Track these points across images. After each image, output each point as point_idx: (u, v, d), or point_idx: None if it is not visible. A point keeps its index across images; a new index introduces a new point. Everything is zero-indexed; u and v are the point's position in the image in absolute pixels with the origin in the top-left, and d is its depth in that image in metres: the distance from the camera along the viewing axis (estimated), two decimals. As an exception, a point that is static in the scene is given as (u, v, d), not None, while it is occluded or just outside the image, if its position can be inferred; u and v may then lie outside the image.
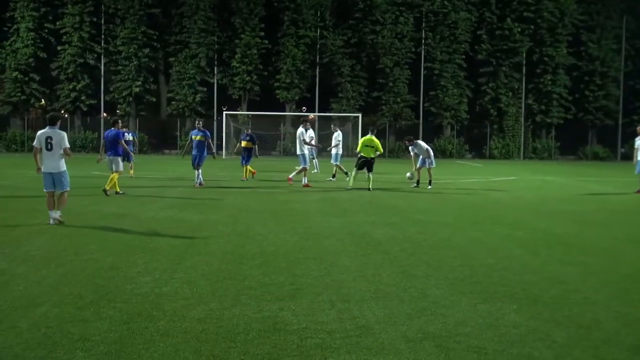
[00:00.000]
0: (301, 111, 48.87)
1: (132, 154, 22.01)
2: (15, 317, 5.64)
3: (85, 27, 46.25)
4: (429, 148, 20.51)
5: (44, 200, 11.53)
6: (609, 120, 50.27)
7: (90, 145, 45.02)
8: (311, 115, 50.17)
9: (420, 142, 21.03)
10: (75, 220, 11.69)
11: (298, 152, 20.60)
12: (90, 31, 46.52)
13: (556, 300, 6.58)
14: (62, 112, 47.38)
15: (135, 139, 24.17)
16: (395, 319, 5.78)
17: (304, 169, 20.22)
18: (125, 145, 17.44)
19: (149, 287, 6.75)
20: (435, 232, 11.07)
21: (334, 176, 23.12)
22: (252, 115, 46.40)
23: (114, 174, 16.49)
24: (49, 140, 11.14)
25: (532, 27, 48.11)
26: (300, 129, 20.69)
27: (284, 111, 48.02)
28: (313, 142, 23.49)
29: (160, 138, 47.08)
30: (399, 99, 47.65)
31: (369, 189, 18.46)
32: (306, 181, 20.02)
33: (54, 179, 11.27)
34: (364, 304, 6.28)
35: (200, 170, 19.45)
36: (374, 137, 19.24)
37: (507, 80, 48.73)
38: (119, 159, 16.80)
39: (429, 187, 19.89)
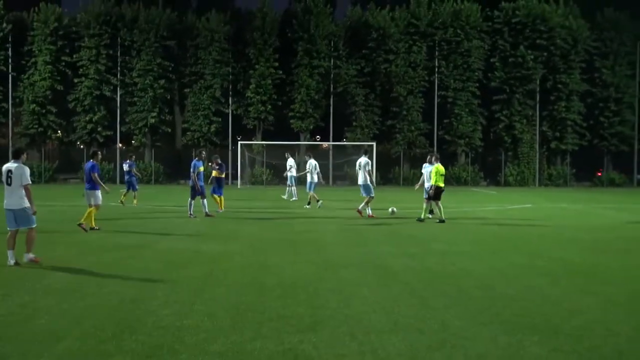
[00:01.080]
0: (315, 140, 49.09)
1: (135, 184, 23.99)
2: (39, 351, 5.68)
3: (101, 59, 46.91)
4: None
5: (63, 234, 11.62)
6: (624, 146, 50.05)
7: (107, 176, 45.36)
8: (325, 144, 50.47)
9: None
10: (94, 252, 11.78)
11: (361, 182, 19.70)
12: (106, 63, 47.15)
13: (578, 332, 6.52)
14: (79, 143, 47.88)
15: (134, 169, 24.26)
16: (416, 352, 5.76)
17: (371, 199, 19.49)
18: (97, 179, 15.53)
19: (170, 320, 6.78)
20: (453, 261, 11.04)
21: (309, 203, 23.59)
22: (266, 144, 46.68)
23: (91, 208, 15.44)
24: (9, 174, 10.30)
25: (545, 54, 48.12)
26: (364, 159, 19.65)
27: (299, 140, 48.21)
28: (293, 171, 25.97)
29: (176, 168, 47.33)
30: (413, 127, 47.72)
31: (443, 220, 17.99)
32: (370, 212, 19.53)
33: (15, 216, 10.40)
34: (384, 335, 6.26)
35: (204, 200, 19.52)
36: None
37: (521, 107, 48.67)
38: (98, 192, 15.58)
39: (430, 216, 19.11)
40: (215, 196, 21.08)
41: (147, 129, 47.40)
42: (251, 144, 46.61)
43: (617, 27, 49.30)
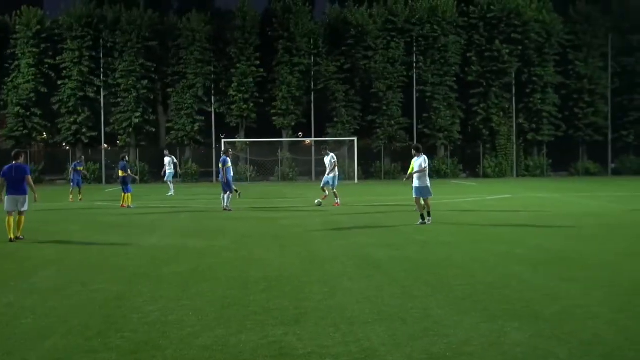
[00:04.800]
0: (297, 137, 49.22)
1: (80, 182, 26.59)
2: (24, 350, 5.71)
3: (84, 61, 46.59)
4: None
5: (51, 233, 11.60)
6: (598, 136, 50.73)
7: (92, 176, 45.17)
8: (307, 140, 50.55)
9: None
10: (79, 251, 11.79)
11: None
12: (89, 65, 46.82)
13: (557, 317, 6.66)
14: (64, 144, 47.66)
15: (80, 168, 27.24)
16: (399, 341, 5.86)
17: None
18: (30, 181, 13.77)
19: (156, 316, 6.84)
20: (434, 251, 11.19)
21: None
22: (250, 142, 46.70)
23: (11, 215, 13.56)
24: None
25: (520, 47, 48.71)
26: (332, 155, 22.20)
27: (281, 137, 48.33)
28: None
29: (161, 167, 47.13)
30: (393, 122, 48.00)
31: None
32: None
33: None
34: (367, 326, 6.36)
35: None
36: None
37: (498, 100, 49.24)
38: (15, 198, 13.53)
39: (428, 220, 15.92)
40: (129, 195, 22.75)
41: (131, 129, 47.22)
42: (235, 142, 46.60)
43: (589, 21, 50.00)
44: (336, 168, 22.23)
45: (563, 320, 6.53)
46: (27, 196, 13.53)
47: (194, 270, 9.63)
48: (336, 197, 21.74)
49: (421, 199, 15.86)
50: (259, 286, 8.31)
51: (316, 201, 21.37)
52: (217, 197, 25.94)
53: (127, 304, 7.41)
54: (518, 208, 20.68)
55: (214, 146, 47.38)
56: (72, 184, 26.76)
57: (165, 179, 31.09)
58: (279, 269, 9.57)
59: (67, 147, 47.93)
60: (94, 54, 47.03)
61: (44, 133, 49.15)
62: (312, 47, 48.16)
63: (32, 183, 13.69)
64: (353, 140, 44.94)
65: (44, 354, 5.59)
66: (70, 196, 26.24)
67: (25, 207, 13.53)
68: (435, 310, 6.97)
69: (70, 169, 28.05)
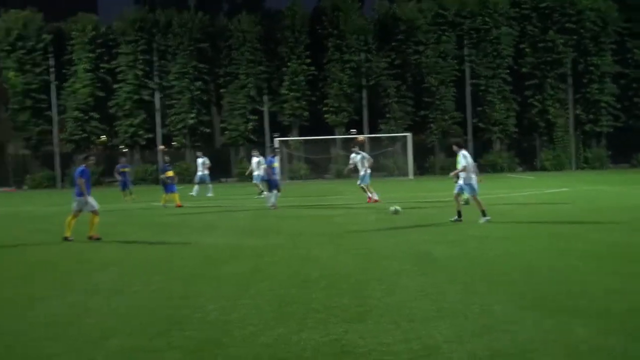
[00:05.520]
0: (350, 134, 49.21)
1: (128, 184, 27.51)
2: (91, 349, 5.80)
3: (138, 64, 47.71)
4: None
5: (111, 234, 11.86)
6: (660, 125, 49.13)
7: (150, 177, 46.13)
8: (360, 137, 50.47)
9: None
10: (139, 252, 12.04)
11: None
12: (144, 68, 47.94)
13: (625, 313, 6.44)
14: (122, 147, 48.84)
15: (127, 169, 28.07)
16: (462, 338, 5.76)
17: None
18: (83, 185, 14.14)
19: (217, 315, 6.89)
20: (492, 247, 11.01)
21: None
22: (303, 140, 46.95)
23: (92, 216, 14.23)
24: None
25: (575, 37, 47.62)
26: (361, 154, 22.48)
27: (334, 134, 48.41)
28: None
29: (215, 167, 47.81)
30: (446, 117, 47.54)
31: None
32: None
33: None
34: (428, 323, 6.28)
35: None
36: None
37: (554, 91, 48.22)
38: (82, 199, 14.12)
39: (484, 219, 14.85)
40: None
41: (186, 130, 48.15)
42: (288, 140, 46.90)
43: (646, 7, 48.44)
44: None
45: (632, 316, 6.31)
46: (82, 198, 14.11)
47: (252, 269, 9.70)
48: (370, 192, 22.15)
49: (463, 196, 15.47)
50: (318, 284, 8.31)
51: (391, 209, 17.28)
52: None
53: (188, 303, 7.49)
54: (577, 201, 20.19)
55: (267, 145, 47.78)
56: (121, 187, 27.38)
57: (198, 181, 29.60)
58: (336, 267, 9.56)
59: (125, 150, 49.03)
60: (147, 57, 48.15)
61: (103, 136, 50.45)
62: (362, 43, 48.09)
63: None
64: (406, 136, 44.65)
65: (110, 353, 5.68)
66: (126, 198, 26.64)
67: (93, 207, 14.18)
68: (496, 306, 6.84)
69: (116, 173, 28.30)
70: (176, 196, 22.84)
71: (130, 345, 5.91)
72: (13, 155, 54.31)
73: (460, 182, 15.25)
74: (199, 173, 29.32)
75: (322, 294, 7.74)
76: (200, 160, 29.61)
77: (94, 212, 14.12)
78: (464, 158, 15.16)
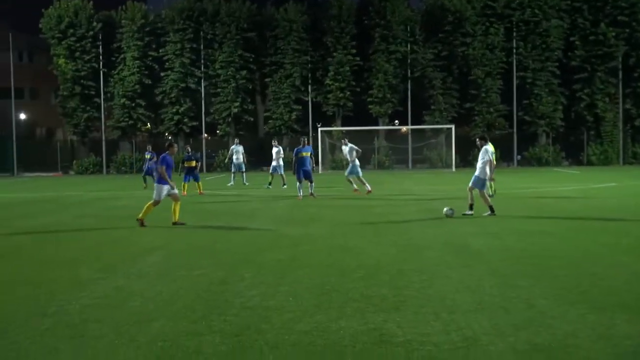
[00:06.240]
0: (394, 125, 49.02)
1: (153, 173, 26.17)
2: (134, 332, 5.91)
3: (185, 53, 48.39)
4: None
5: (156, 219, 12.06)
6: None
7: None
8: (404, 128, 50.20)
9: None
10: (183, 237, 12.22)
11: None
12: (190, 57, 48.60)
13: (671, 310, 6.31)
14: (167, 134, 49.62)
15: (152, 158, 26.54)
16: (502, 330, 5.71)
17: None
18: (164, 173, 14.11)
19: (257, 301, 6.97)
20: (535, 241, 10.84)
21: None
22: (346, 130, 46.90)
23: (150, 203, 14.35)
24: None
25: (627, 30, 46.39)
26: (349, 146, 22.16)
27: (378, 125, 48.24)
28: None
29: (258, 156, 48.24)
30: (492, 109, 46.97)
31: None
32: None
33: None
34: (469, 315, 6.24)
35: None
36: None
37: (603, 85, 47.15)
38: (163, 187, 14.12)
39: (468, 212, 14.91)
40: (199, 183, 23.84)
41: (230, 119, 48.63)
42: (331, 130, 46.93)
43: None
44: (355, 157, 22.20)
45: (678, 314, 6.18)
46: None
47: (291, 257, 9.77)
48: (363, 182, 22.03)
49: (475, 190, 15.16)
50: (357, 273, 8.32)
51: (446, 209, 14.81)
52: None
53: (229, 289, 7.59)
54: (624, 197, 19.74)
55: (310, 134, 47.91)
56: (144, 174, 27.58)
57: (235, 170, 29.09)
58: (376, 257, 9.55)
59: (170, 137, 49.77)
60: (194, 45, 48.78)
61: (148, 123, 51.30)
62: (408, 34, 47.83)
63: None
64: (450, 128, 44.27)
65: (152, 336, 5.78)
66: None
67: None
68: (538, 300, 6.76)
69: (147, 161, 27.94)
70: (186, 186, 23.60)
71: (171, 328, 6.01)
72: (61, 141, 55.69)
73: (477, 173, 14.99)
74: (274, 163, 27.32)
75: (360, 283, 7.74)
76: (275, 150, 27.44)
77: (175, 198, 14.18)
78: (485, 153, 14.94)
